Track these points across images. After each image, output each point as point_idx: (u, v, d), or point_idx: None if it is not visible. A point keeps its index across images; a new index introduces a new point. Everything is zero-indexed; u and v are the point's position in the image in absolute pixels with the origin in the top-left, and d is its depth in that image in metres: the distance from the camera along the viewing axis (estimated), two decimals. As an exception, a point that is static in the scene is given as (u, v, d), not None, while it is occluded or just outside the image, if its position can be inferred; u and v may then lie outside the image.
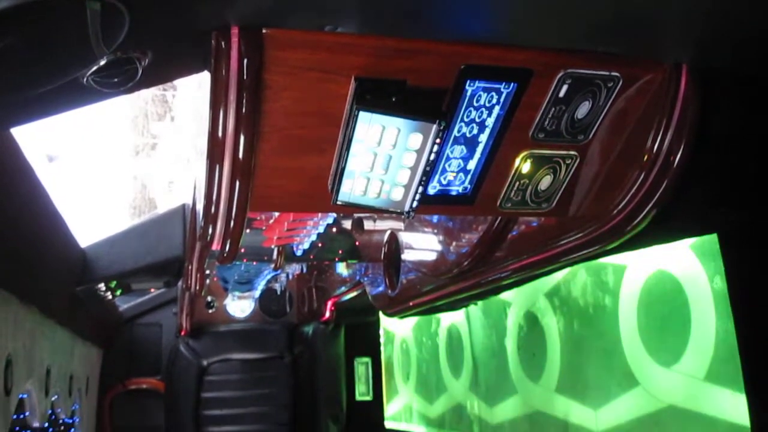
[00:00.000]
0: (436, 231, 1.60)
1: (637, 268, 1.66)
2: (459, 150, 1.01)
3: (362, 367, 3.59)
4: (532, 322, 2.13)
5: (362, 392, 3.55)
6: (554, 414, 1.99)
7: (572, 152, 1.06)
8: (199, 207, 1.18)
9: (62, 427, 2.53)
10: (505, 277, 1.41)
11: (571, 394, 1.91)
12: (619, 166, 1.03)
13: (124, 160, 12.96)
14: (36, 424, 1.99)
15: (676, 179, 0.98)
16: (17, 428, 1.83)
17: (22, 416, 1.89)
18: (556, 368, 1.97)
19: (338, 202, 0.99)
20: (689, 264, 1.48)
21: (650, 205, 1.01)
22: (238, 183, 0.96)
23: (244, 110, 0.90)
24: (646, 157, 0.99)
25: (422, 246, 1.74)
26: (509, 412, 2.27)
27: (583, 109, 1.01)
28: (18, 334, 1.81)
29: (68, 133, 11.32)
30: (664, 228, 1.11)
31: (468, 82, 0.94)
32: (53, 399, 2.24)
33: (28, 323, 1.92)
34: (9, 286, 1.74)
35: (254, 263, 2.31)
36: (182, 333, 3.55)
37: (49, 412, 2.21)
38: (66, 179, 10.32)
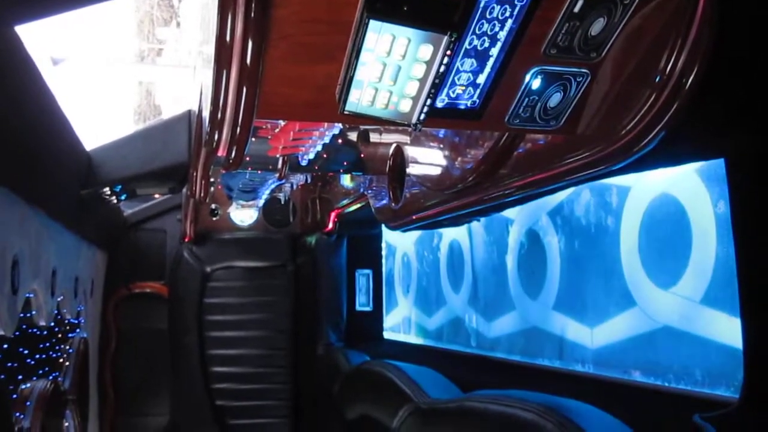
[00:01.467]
0: (441, 146, 1.60)
1: (641, 190, 1.67)
2: (469, 63, 1.00)
3: (363, 278, 3.63)
4: (533, 240, 2.14)
5: (362, 303, 3.61)
6: (551, 330, 2.03)
7: (584, 70, 1.05)
8: (205, 114, 1.17)
9: (68, 327, 2.59)
10: (509, 194, 1.41)
11: (568, 311, 1.94)
12: (630, 85, 1.02)
13: (129, 66, 12.82)
14: (42, 323, 2.03)
15: (687, 102, 0.97)
16: (24, 326, 1.87)
17: (29, 315, 1.93)
18: (555, 286, 2.00)
19: (345, 112, 0.98)
20: (694, 188, 1.48)
21: (659, 127, 1.00)
22: (245, 89, 0.95)
23: (252, 15, 0.88)
24: (658, 78, 0.97)
25: (427, 160, 1.74)
26: (506, 327, 2.31)
27: (597, 26, 0.99)
28: (24, 234, 1.82)
29: (73, 36, 11.16)
30: (672, 151, 1.11)
31: (481, -8, 0.92)
32: (59, 300, 2.29)
33: (35, 225, 1.93)
34: (15, 186, 1.75)
35: (259, 172, 2.31)
36: (186, 239, 3.58)
37: (55, 312, 2.25)
38: (71, 82, 10.23)
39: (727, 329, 1.35)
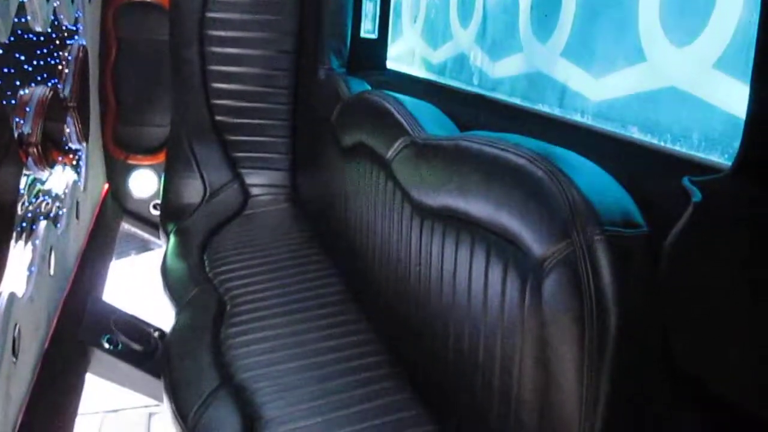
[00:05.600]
0: None
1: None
2: None
3: (370, 3, 3.51)
4: (550, -19, 2.03)
5: (368, 30, 3.52)
6: (555, 77, 1.99)
7: None
8: None
9: (65, 34, 2.53)
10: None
11: (575, 59, 1.89)
12: None
13: None
14: (38, 29, 1.98)
15: None
16: (19, 31, 1.82)
17: (23, 20, 1.87)
18: (566, 32, 1.93)
19: None
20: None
21: None
22: None
23: None
24: None
25: None
26: (511, 69, 2.27)
27: None
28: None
29: None
30: None
31: None
32: (55, 5, 2.21)
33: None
34: None
35: None
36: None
37: (52, 17, 2.18)
38: None
39: (734, 97, 1.33)
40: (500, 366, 1.47)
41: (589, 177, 1.35)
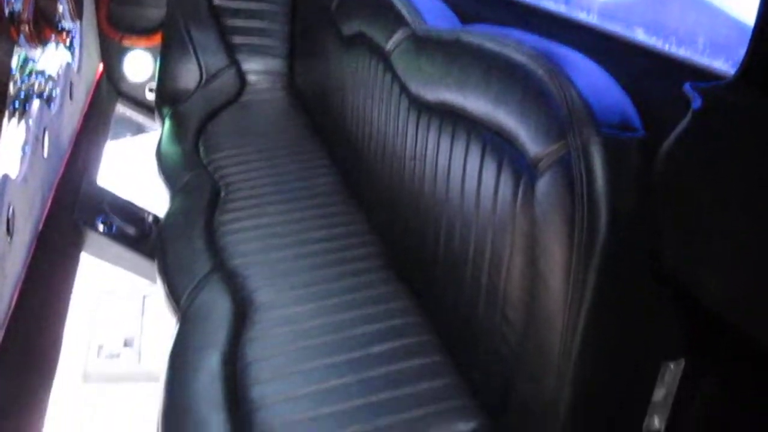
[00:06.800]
0: None
1: None
2: None
3: None
4: None
5: None
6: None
7: None
8: None
9: None
10: None
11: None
12: None
13: None
14: None
15: None
16: None
17: None
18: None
19: None
20: None
21: None
22: None
23: None
24: None
25: None
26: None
27: None
28: None
29: None
30: None
31: None
32: None
33: None
34: None
35: None
36: None
37: None
38: None
39: (743, 3, 1.29)
40: (489, 262, 1.49)
41: (590, 78, 1.33)
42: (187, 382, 1.71)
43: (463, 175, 1.58)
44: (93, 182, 2.83)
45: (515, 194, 1.37)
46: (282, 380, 1.69)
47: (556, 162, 1.25)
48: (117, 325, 3.20)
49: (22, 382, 1.71)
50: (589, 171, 1.19)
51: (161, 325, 2.21)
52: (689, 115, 1.11)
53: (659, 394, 1.38)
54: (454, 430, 1.54)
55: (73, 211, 2.49)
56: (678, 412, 1.39)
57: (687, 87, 1.13)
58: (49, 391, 1.84)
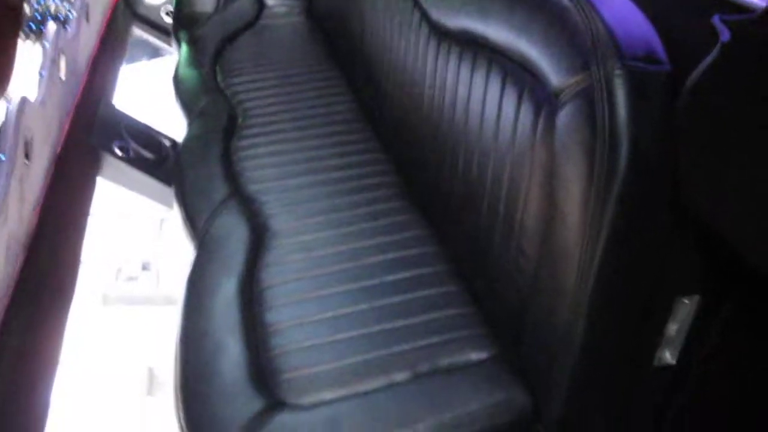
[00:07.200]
0: None
1: None
2: None
3: None
4: None
5: None
6: None
7: None
8: None
9: None
10: None
11: None
12: None
13: None
14: None
15: None
16: None
17: None
18: None
19: None
20: None
21: None
22: None
23: None
24: None
25: None
26: None
27: None
28: None
29: None
30: None
31: None
32: None
33: None
34: None
35: None
36: None
37: None
38: None
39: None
40: (507, 194, 1.48)
41: (616, 9, 1.30)
42: (205, 307, 1.73)
43: (483, 105, 1.56)
44: (110, 105, 2.82)
45: (535, 125, 1.35)
46: (297, 306, 1.72)
47: (578, 93, 1.23)
48: (135, 249, 3.24)
49: (41, 304, 1.75)
50: (612, 103, 1.17)
51: (178, 249, 2.23)
52: (717, 49, 1.08)
53: (672, 328, 1.38)
54: (465, 359, 1.56)
55: (90, 135, 2.49)
56: (690, 347, 1.40)
57: (715, 19, 1.09)
58: (67, 313, 1.88)
